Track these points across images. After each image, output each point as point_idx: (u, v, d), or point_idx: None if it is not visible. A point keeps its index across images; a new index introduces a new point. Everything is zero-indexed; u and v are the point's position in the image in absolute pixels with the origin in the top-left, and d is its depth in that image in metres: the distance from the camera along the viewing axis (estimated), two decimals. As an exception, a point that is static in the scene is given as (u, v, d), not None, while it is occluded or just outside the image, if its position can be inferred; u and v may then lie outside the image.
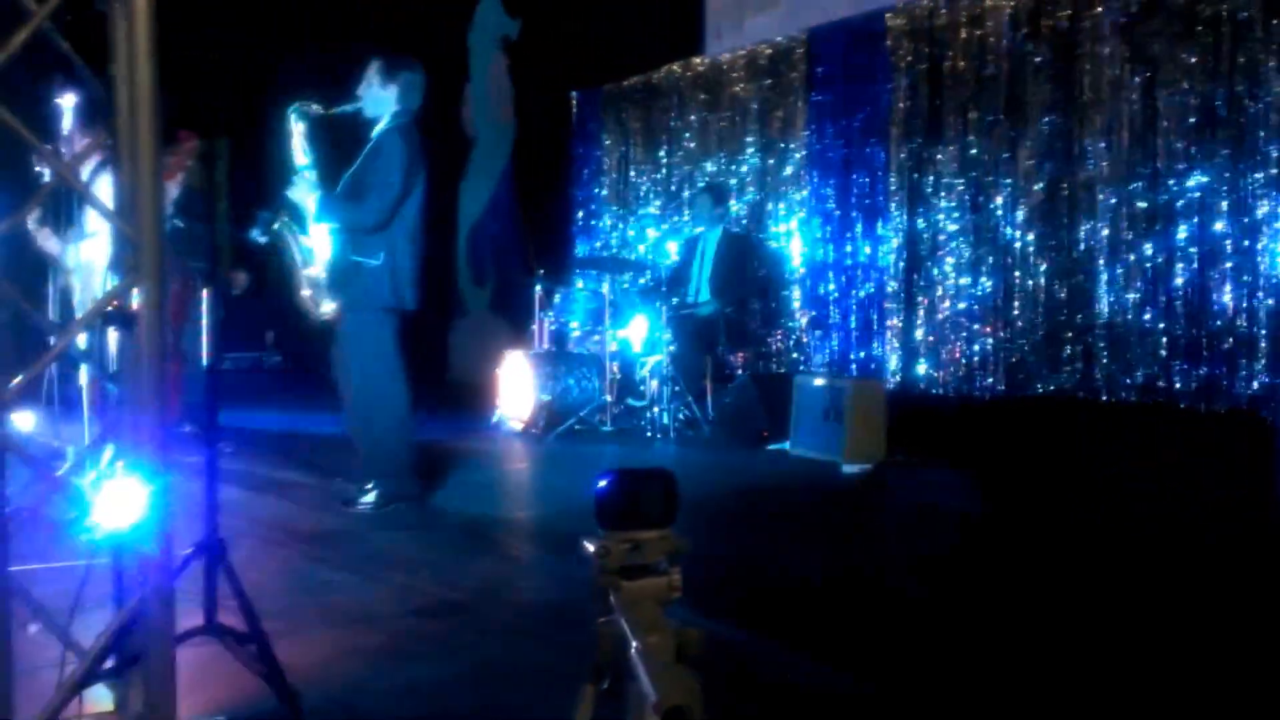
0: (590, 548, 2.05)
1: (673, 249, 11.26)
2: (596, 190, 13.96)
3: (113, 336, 2.90)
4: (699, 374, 10.03)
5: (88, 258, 7.33)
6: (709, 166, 12.27)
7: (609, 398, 9.79)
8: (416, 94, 6.76)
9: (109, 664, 2.81)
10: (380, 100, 6.69)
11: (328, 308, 6.57)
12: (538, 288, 10.87)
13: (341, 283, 6.53)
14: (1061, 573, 5.47)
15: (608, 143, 13.77)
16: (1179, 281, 8.21)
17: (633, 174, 13.42)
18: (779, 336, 11.43)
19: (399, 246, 6.52)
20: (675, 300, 10.12)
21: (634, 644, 1.91)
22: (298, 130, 6.64)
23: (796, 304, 11.26)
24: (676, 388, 9.66)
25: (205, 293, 3.73)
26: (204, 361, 3.71)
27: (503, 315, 14.21)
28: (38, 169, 6.16)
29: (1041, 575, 5.43)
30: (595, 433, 9.68)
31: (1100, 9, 8.70)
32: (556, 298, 10.76)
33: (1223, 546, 5.91)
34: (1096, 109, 8.74)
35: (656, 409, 9.65)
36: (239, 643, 3.40)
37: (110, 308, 2.81)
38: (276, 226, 6.55)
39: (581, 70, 13.75)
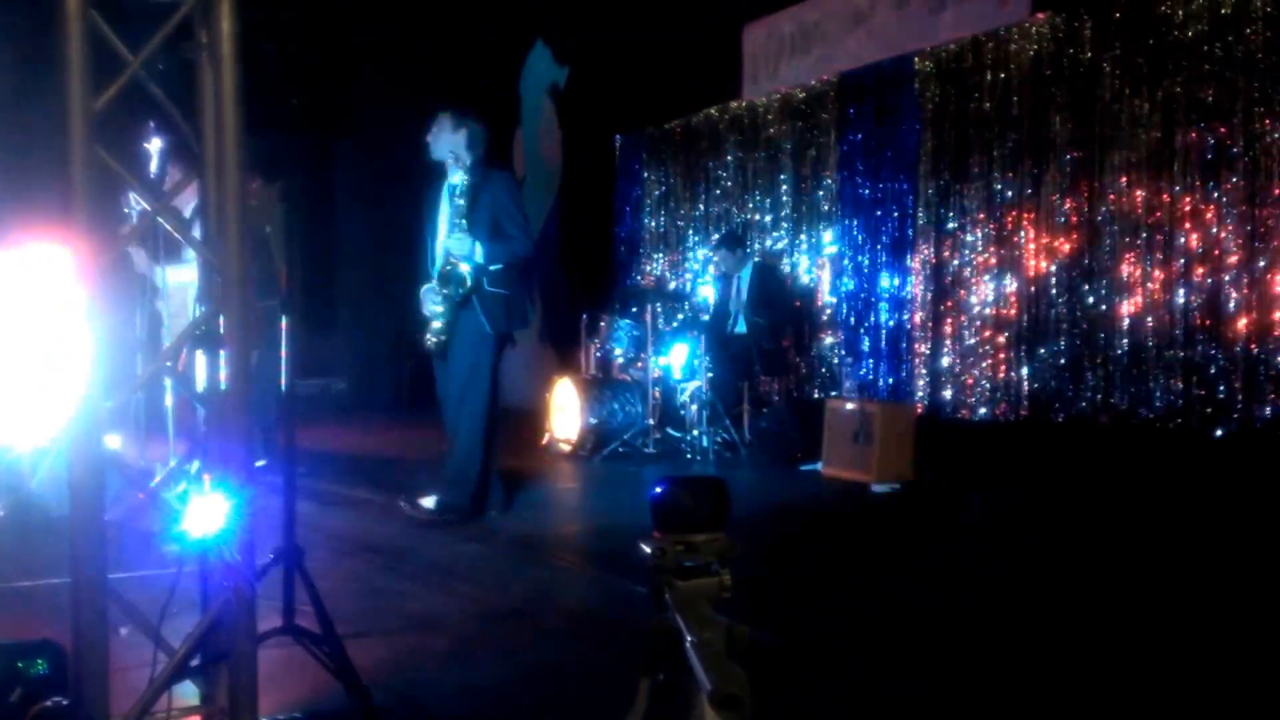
0: (647, 548, 2.07)
1: (709, 292, 11.30)
2: (639, 227, 14.02)
3: (200, 359, 2.96)
4: (736, 399, 10.05)
5: (177, 280, 7.52)
6: (745, 205, 12.31)
7: (651, 422, 9.82)
8: (481, 144, 6.90)
9: (196, 662, 2.86)
10: (448, 144, 6.80)
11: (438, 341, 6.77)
12: (584, 318, 10.92)
13: (481, 313, 6.72)
14: (1080, 588, 5.44)
15: (649, 182, 13.83)
16: (1195, 310, 8.18)
17: (673, 211, 13.48)
18: (812, 362, 11.45)
19: (522, 277, 6.92)
20: (714, 334, 10.15)
21: (689, 638, 1.94)
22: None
23: (829, 332, 11.28)
24: (715, 412, 9.69)
25: (283, 324, 3.79)
26: (282, 387, 3.78)
27: (551, 344, 14.27)
28: (127, 209, 6.28)
29: (1061, 589, 5.40)
30: (638, 455, 9.71)
31: (1118, 50, 8.71)
32: (601, 328, 10.80)
33: (1241, 561, 5.91)
34: (1115, 146, 8.73)
35: (696, 432, 9.68)
36: (315, 643, 3.45)
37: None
38: (468, 284, 6.71)
39: (625, 115, 13.83)
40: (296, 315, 3.60)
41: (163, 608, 2.90)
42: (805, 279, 11.57)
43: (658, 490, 2.09)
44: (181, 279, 7.88)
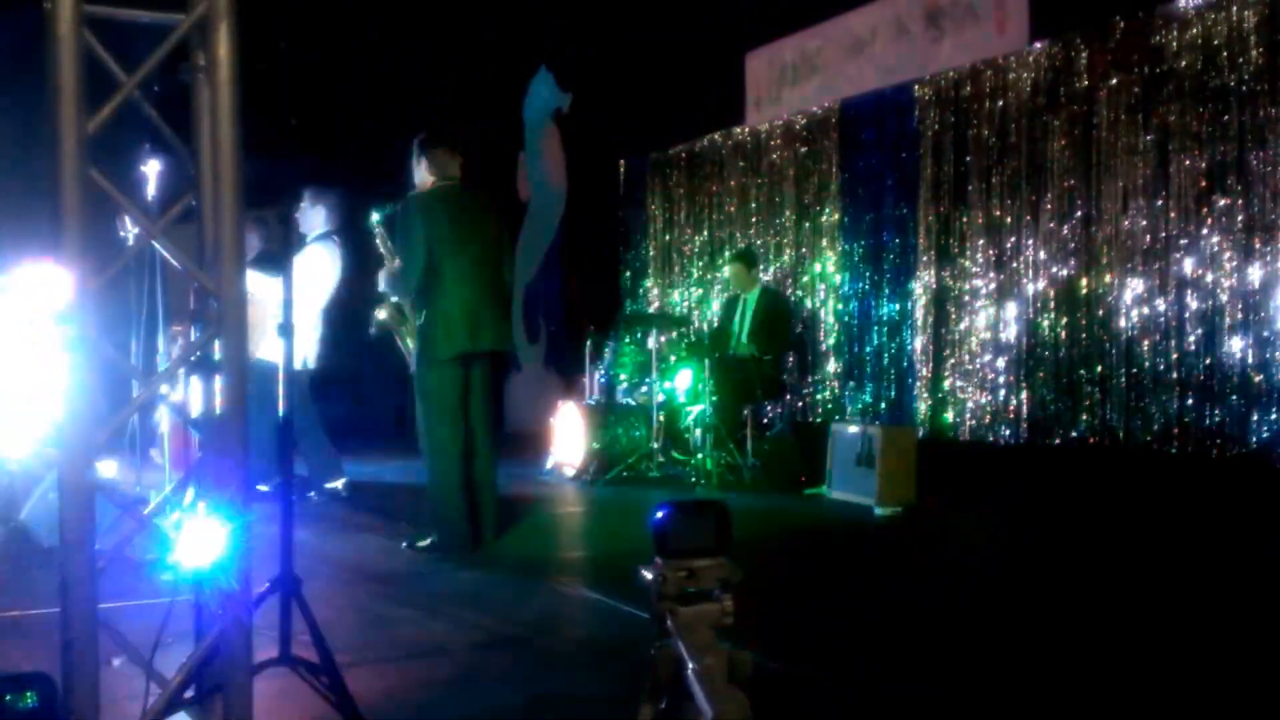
0: (648, 575, 2.02)
1: (715, 308, 11.26)
2: (643, 251, 14.00)
3: (195, 385, 2.89)
4: (740, 423, 9.98)
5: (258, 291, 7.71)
6: (749, 229, 12.28)
7: (655, 445, 9.75)
8: (443, 164, 6.66)
9: (190, 694, 2.79)
10: (418, 173, 6.71)
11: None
12: (588, 342, 10.86)
13: (417, 343, 6.60)
14: (1080, 605, 5.40)
15: (654, 207, 13.82)
16: (1191, 333, 8.15)
17: (677, 236, 13.45)
18: (815, 387, 11.39)
19: (446, 298, 6.44)
20: (717, 354, 10.08)
21: (690, 665, 1.89)
22: (379, 230, 6.79)
23: (832, 356, 11.23)
24: (719, 436, 9.61)
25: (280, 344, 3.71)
26: (280, 412, 3.71)
27: (555, 369, 14.21)
28: (123, 232, 6.20)
29: (1061, 611, 5.35)
30: (642, 479, 9.63)
31: (1114, 79, 8.70)
32: (605, 352, 10.74)
33: (1234, 582, 5.89)
34: (1112, 172, 8.72)
35: (700, 456, 9.60)
36: (312, 673, 3.36)
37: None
38: (384, 318, 6.97)
39: (629, 139, 13.83)
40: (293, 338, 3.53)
41: (156, 638, 2.83)
42: (808, 303, 11.51)
43: (659, 516, 2.04)
44: (261, 290, 7.97)
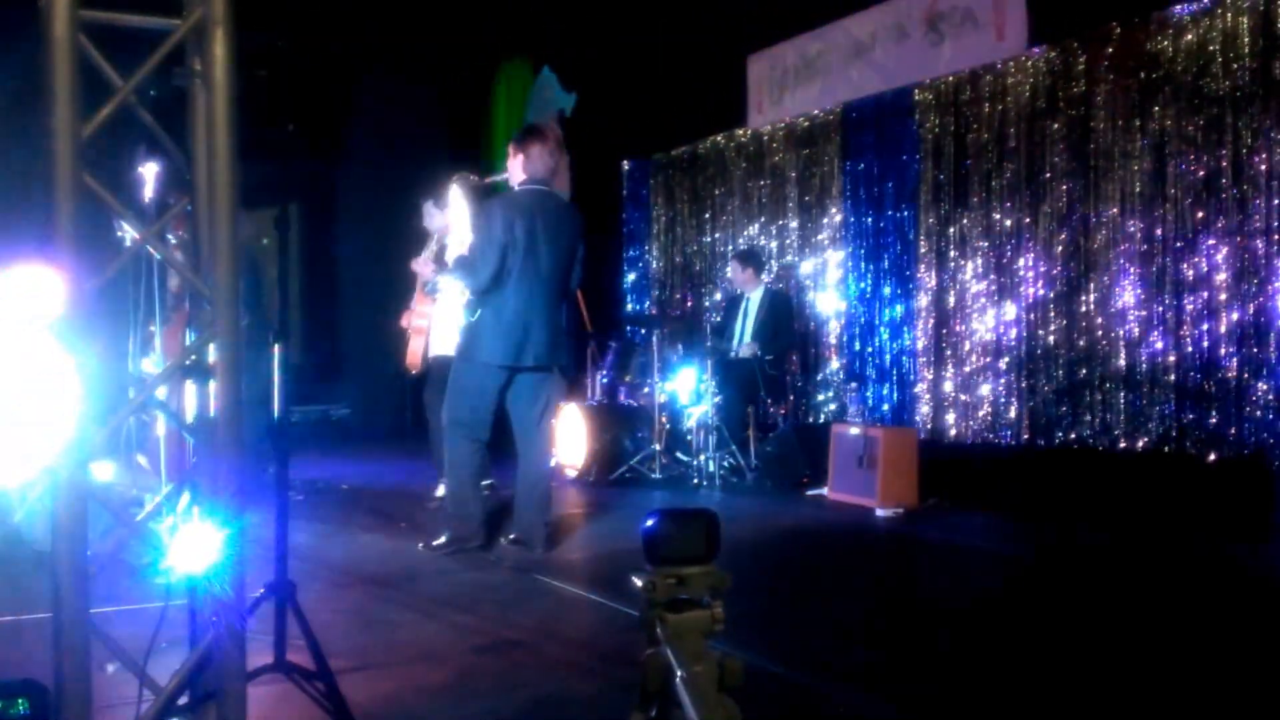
0: (638, 583, 2.02)
1: (719, 305, 11.23)
2: (646, 252, 13.98)
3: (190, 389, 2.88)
4: (742, 424, 9.96)
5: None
6: (750, 231, 12.28)
7: (657, 446, 9.73)
8: (535, 164, 6.60)
9: (184, 700, 2.77)
10: (512, 169, 6.69)
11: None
12: (591, 344, 10.84)
13: (464, 337, 6.61)
14: (1082, 611, 5.38)
15: (657, 208, 13.79)
16: (1189, 337, 8.14)
17: (680, 237, 13.44)
18: (817, 388, 11.38)
19: (504, 306, 6.41)
20: (719, 356, 10.06)
21: (679, 673, 1.88)
22: (458, 200, 6.80)
23: (833, 358, 11.22)
24: (721, 437, 9.60)
25: (276, 348, 3.69)
26: (274, 414, 3.68)
27: (558, 369, 14.18)
28: (120, 234, 6.16)
29: (1063, 613, 5.34)
30: (645, 480, 9.61)
31: (1111, 84, 8.69)
32: (609, 353, 10.72)
33: (1231, 584, 5.92)
34: (1109, 176, 8.72)
35: (702, 457, 9.58)
36: (307, 680, 3.35)
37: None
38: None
39: (633, 141, 13.80)
40: (289, 340, 3.49)
41: (150, 644, 2.81)
42: (809, 305, 11.50)
43: (648, 524, 2.04)
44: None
